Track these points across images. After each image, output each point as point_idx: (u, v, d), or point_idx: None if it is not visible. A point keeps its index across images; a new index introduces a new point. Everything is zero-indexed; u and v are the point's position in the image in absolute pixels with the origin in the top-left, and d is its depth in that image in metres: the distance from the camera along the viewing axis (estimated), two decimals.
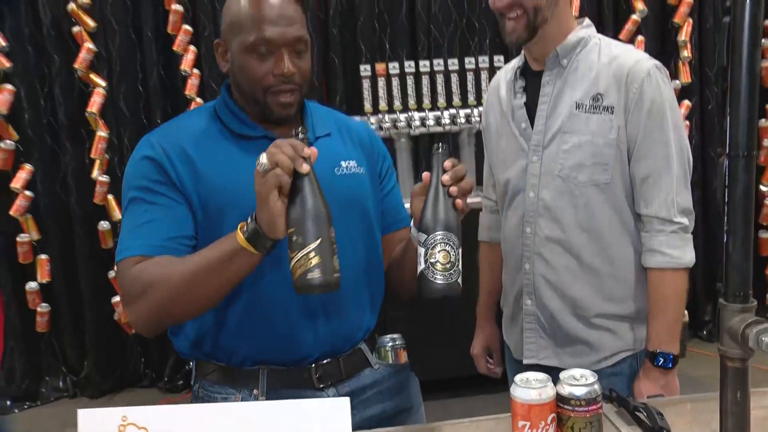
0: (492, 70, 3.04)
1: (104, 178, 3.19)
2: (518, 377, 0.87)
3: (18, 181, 3.12)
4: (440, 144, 1.09)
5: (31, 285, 3.23)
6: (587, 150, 1.36)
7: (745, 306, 0.72)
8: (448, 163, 1.08)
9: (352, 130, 1.34)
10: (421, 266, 1.05)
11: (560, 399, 0.86)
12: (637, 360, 1.42)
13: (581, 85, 1.38)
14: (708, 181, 3.59)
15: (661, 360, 1.33)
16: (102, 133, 3.16)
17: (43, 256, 3.24)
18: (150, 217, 1.13)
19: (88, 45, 3.10)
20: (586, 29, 1.42)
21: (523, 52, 1.48)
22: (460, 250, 1.06)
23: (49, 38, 3.14)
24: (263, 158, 0.98)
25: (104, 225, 3.24)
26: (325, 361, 1.20)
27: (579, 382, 0.86)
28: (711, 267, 3.71)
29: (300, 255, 0.96)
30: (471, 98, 3.04)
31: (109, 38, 3.22)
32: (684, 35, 3.42)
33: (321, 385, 1.19)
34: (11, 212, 3.13)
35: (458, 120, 3.00)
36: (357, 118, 2.82)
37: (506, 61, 3.04)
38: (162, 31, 3.27)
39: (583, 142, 1.36)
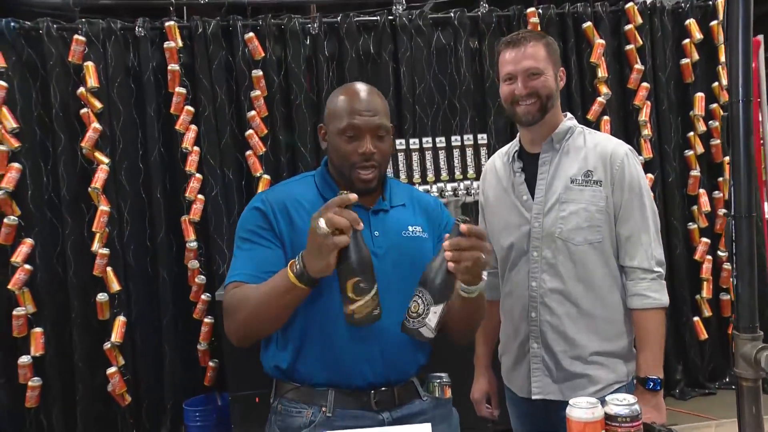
0: (476, 147, 3.31)
1: (104, 251, 3.27)
2: (573, 401, 1.04)
3: (18, 255, 3.17)
4: (463, 218, 1.28)
5: (23, 359, 3.22)
6: (583, 215, 1.65)
7: (755, 335, 0.92)
8: (465, 228, 1.26)
9: (423, 201, 1.59)
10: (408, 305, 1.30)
11: (608, 418, 1.04)
12: (626, 390, 1.66)
13: (574, 164, 1.69)
14: (673, 247, 3.88)
15: (651, 384, 1.60)
16: (104, 207, 3.27)
17: (38, 329, 3.25)
18: (251, 253, 1.40)
19: (96, 125, 3.26)
20: (571, 121, 1.77)
21: (518, 138, 1.81)
22: (435, 307, 1.26)
23: (56, 119, 3.29)
24: (322, 223, 1.18)
25: (102, 297, 3.30)
26: (382, 389, 1.41)
27: (622, 403, 1.04)
28: (679, 328, 3.95)
29: (367, 298, 1.20)
30: (458, 173, 3.28)
31: (113, 118, 3.38)
32: (644, 116, 3.79)
33: (378, 409, 1.40)
34: (9, 286, 3.16)
35: (446, 193, 3.24)
36: None
37: (488, 139, 3.34)
38: (163, 111, 3.47)
39: (579, 209, 1.66)
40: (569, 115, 1.79)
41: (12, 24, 3.27)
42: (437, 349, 1.50)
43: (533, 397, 1.72)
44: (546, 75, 1.67)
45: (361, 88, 1.46)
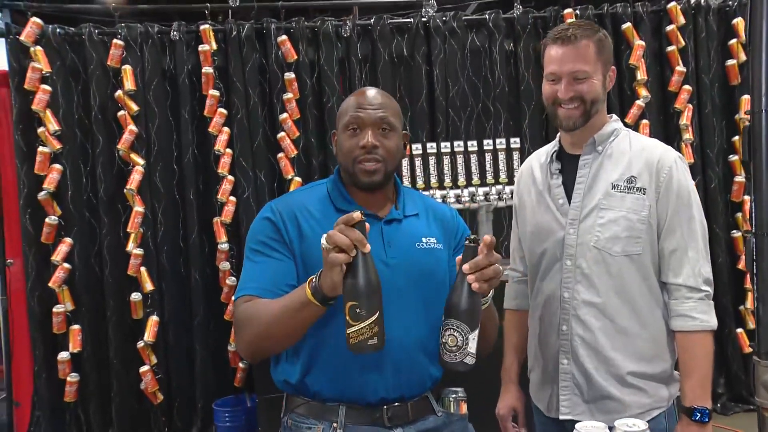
0: (509, 152, 3.25)
1: (138, 251, 3.33)
2: (579, 425, 1.00)
3: (58, 254, 3.27)
4: (471, 237, 1.25)
5: (63, 355, 3.31)
6: (622, 224, 1.54)
7: None
8: (482, 246, 1.23)
9: (438, 211, 1.56)
10: (440, 340, 1.26)
11: None
12: (665, 417, 1.55)
13: (616, 168, 1.58)
14: (715, 255, 3.72)
15: (698, 415, 1.47)
16: (138, 208, 3.33)
17: (76, 327, 3.33)
18: (263, 266, 1.37)
19: (131, 127, 3.33)
20: (616, 122, 1.65)
21: (558, 138, 1.70)
22: (472, 334, 1.23)
23: (96, 121, 3.38)
24: (323, 238, 1.17)
25: (135, 296, 3.36)
26: (395, 404, 1.38)
27: (632, 429, 0.98)
28: (721, 340, 3.80)
29: (363, 325, 1.14)
30: (489, 177, 3.23)
31: (149, 120, 3.45)
32: (685, 119, 3.66)
33: (390, 425, 1.37)
34: (50, 284, 3.26)
35: (477, 198, 3.19)
36: None
37: (522, 143, 3.27)
38: (197, 113, 3.51)
39: (619, 218, 1.54)
40: (614, 116, 1.67)
41: (58, 30, 3.37)
42: None
43: (561, 417, 1.61)
44: (593, 79, 1.54)
45: (370, 88, 1.47)
